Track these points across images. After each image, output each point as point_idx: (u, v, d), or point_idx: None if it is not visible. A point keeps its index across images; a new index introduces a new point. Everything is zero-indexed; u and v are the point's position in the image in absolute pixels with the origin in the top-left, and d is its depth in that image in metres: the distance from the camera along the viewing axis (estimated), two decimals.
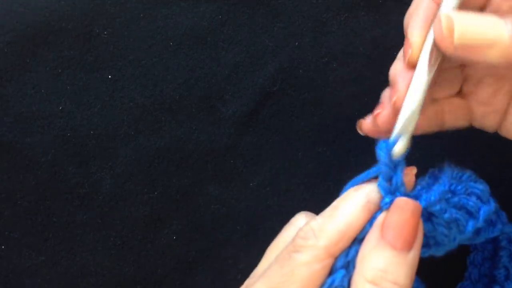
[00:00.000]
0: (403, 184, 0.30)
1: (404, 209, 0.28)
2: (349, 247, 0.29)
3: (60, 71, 0.42)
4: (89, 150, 0.42)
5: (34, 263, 0.42)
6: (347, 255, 0.28)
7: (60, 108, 0.42)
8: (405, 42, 0.32)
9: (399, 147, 0.30)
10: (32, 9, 0.42)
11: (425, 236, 0.31)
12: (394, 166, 0.30)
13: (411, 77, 0.31)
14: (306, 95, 0.43)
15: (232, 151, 0.43)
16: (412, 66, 0.31)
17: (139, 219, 0.43)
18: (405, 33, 0.32)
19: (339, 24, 0.43)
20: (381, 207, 0.29)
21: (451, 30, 0.28)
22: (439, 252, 0.32)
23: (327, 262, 0.28)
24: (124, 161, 0.42)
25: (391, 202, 0.29)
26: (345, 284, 0.28)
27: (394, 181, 0.30)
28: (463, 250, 0.41)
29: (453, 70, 0.34)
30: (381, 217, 0.29)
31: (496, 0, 0.32)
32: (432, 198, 0.30)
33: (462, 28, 0.28)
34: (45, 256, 0.42)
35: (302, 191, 0.43)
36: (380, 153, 0.30)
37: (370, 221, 0.29)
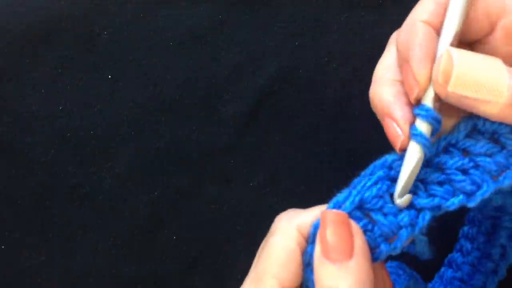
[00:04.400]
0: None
1: (326, 221, 0.27)
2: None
3: (60, 71, 0.42)
4: (89, 150, 0.42)
5: (34, 263, 0.42)
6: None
7: (60, 108, 0.42)
8: (409, 75, 0.28)
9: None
10: (32, 9, 0.42)
11: (447, 183, 0.28)
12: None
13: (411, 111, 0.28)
14: (306, 95, 0.43)
15: (232, 151, 0.43)
16: (418, 102, 0.28)
17: (139, 219, 0.43)
18: (400, 60, 0.30)
19: (339, 24, 0.43)
20: None
21: (447, 76, 0.26)
22: (471, 200, 0.28)
23: (300, 240, 0.28)
24: (124, 161, 0.42)
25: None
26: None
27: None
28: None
29: None
30: (318, 234, 0.28)
31: (495, 42, 0.28)
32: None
33: (460, 77, 0.26)
34: (45, 256, 0.42)
35: (302, 191, 0.43)
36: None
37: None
